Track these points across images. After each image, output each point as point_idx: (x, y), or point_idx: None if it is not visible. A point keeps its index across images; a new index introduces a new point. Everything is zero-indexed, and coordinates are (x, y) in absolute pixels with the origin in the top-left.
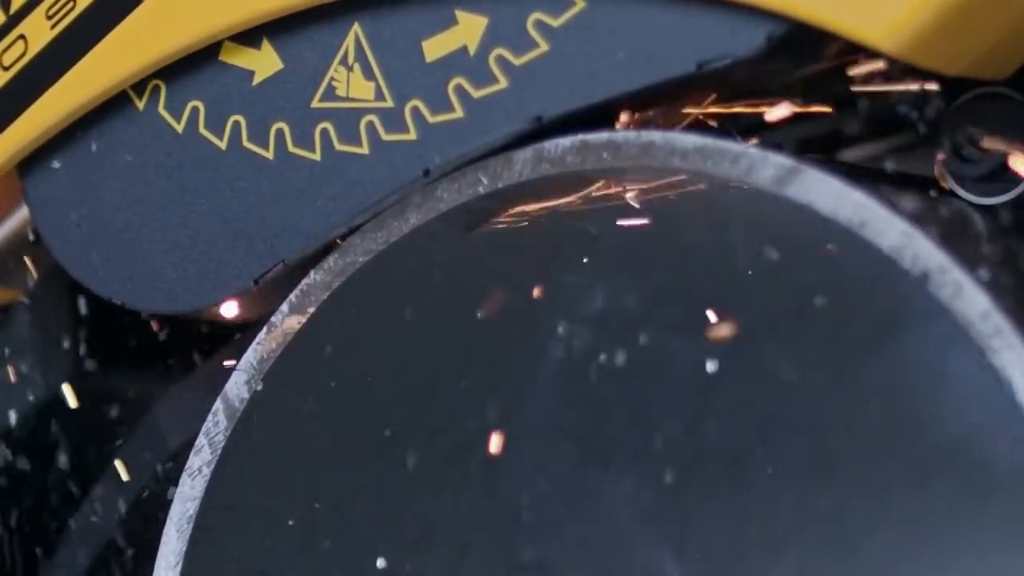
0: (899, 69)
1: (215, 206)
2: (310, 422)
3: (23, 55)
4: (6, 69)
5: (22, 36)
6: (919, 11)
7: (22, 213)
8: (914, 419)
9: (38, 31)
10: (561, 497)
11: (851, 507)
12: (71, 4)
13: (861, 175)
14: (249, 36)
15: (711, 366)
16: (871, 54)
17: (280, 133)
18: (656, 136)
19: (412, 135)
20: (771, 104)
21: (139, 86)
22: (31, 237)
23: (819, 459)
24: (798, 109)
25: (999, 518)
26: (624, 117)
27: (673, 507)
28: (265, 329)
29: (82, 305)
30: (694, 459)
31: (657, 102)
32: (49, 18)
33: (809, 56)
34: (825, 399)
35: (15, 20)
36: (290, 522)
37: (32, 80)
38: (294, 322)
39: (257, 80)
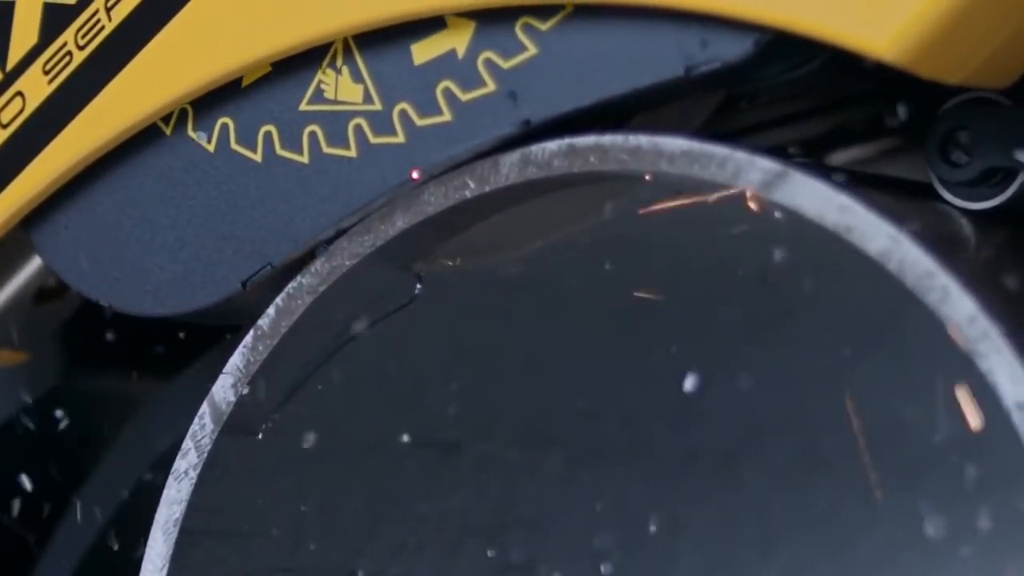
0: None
1: (203, 209)
2: (297, 425)
3: (21, 112)
4: (5, 127)
5: (20, 93)
6: (921, 20)
7: (23, 274)
8: (904, 421)
9: (36, 87)
10: (550, 498)
11: (842, 507)
12: (67, 58)
13: (849, 179)
14: None
15: (703, 369)
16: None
17: (268, 136)
18: (643, 139)
19: (400, 138)
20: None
21: None
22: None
23: (811, 460)
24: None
25: (988, 520)
26: None
27: (664, 508)
28: (252, 332)
29: (71, 308)
30: (686, 460)
31: (646, 106)
32: (46, 73)
33: (799, 61)
34: (817, 401)
35: (12, 77)
36: (277, 525)
37: (32, 136)
38: (280, 325)
39: (246, 83)
